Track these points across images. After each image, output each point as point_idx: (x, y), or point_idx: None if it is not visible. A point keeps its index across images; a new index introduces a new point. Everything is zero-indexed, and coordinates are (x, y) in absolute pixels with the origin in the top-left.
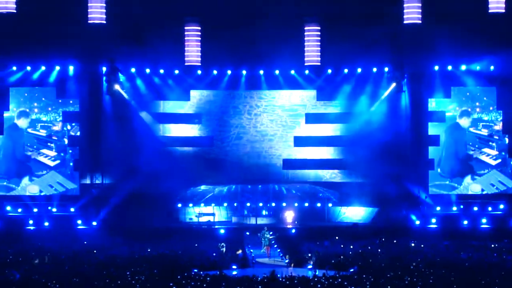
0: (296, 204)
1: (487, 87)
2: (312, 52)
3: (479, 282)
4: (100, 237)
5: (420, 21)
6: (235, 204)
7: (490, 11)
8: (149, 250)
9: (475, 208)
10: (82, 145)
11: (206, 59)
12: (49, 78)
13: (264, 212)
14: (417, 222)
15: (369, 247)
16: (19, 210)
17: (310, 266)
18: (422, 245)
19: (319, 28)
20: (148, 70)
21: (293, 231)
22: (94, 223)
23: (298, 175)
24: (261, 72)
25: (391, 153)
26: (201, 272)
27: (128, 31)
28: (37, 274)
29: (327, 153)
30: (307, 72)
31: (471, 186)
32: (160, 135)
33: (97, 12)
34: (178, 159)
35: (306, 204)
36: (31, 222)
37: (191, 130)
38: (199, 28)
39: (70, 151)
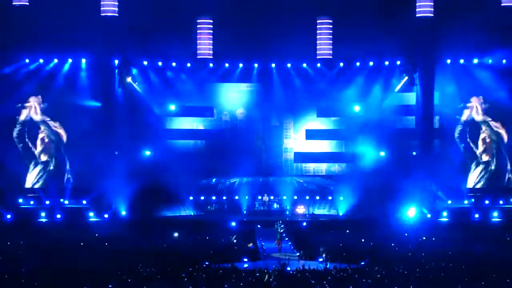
0: (307, 197)
1: (499, 80)
2: (324, 45)
3: (490, 276)
4: (111, 229)
5: (432, 15)
6: (247, 197)
7: (502, 4)
8: (160, 242)
9: (487, 202)
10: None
11: (218, 52)
12: (62, 70)
13: (275, 205)
14: (429, 215)
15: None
16: (31, 202)
17: (321, 259)
18: (433, 238)
19: (331, 21)
20: (160, 63)
21: (304, 224)
22: (106, 216)
23: (310, 168)
24: (273, 65)
25: (403, 146)
26: (212, 265)
27: (140, 24)
28: (48, 266)
29: (338, 146)
30: (319, 65)
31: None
32: (172, 128)
33: (109, 5)
34: (190, 151)
35: (318, 197)
36: (43, 214)
37: (203, 123)
38: (211, 21)
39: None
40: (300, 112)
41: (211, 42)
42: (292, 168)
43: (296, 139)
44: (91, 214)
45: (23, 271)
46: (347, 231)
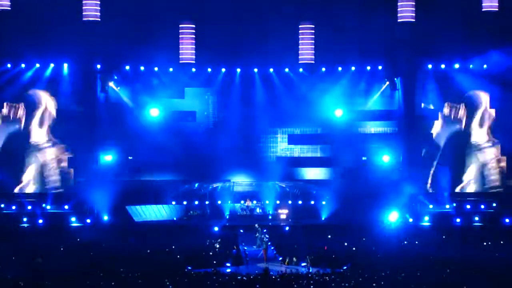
0: (290, 202)
1: (480, 85)
2: (306, 50)
3: (472, 279)
4: (94, 234)
5: (413, 20)
6: (229, 202)
7: (483, 9)
8: (143, 247)
9: (468, 206)
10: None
11: (200, 57)
12: (44, 75)
13: (258, 210)
14: (410, 220)
15: (362, 245)
16: (13, 207)
17: (304, 264)
18: (416, 242)
19: (313, 26)
20: (142, 68)
21: (287, 228)
22: (88, 220)
23: (292, 173)
24: (255, 70)
25: (385, 151)
26: (195, 270)
27: (123, 28)
28: (32, 272)
29: (320, 150)
30: (301, 70)
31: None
32: (154, 132)
33: (91, 10)
34: (172, 156)
35: (300, 202)
36: (25, 219)
37: (185, 128)
38: (194, 26)
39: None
40: (283, 117)
41: (194, 47)
42: (275, 173)
43: (278, 143)
44: (73, 219)
45: (9, 277)
46: (329, 236)
